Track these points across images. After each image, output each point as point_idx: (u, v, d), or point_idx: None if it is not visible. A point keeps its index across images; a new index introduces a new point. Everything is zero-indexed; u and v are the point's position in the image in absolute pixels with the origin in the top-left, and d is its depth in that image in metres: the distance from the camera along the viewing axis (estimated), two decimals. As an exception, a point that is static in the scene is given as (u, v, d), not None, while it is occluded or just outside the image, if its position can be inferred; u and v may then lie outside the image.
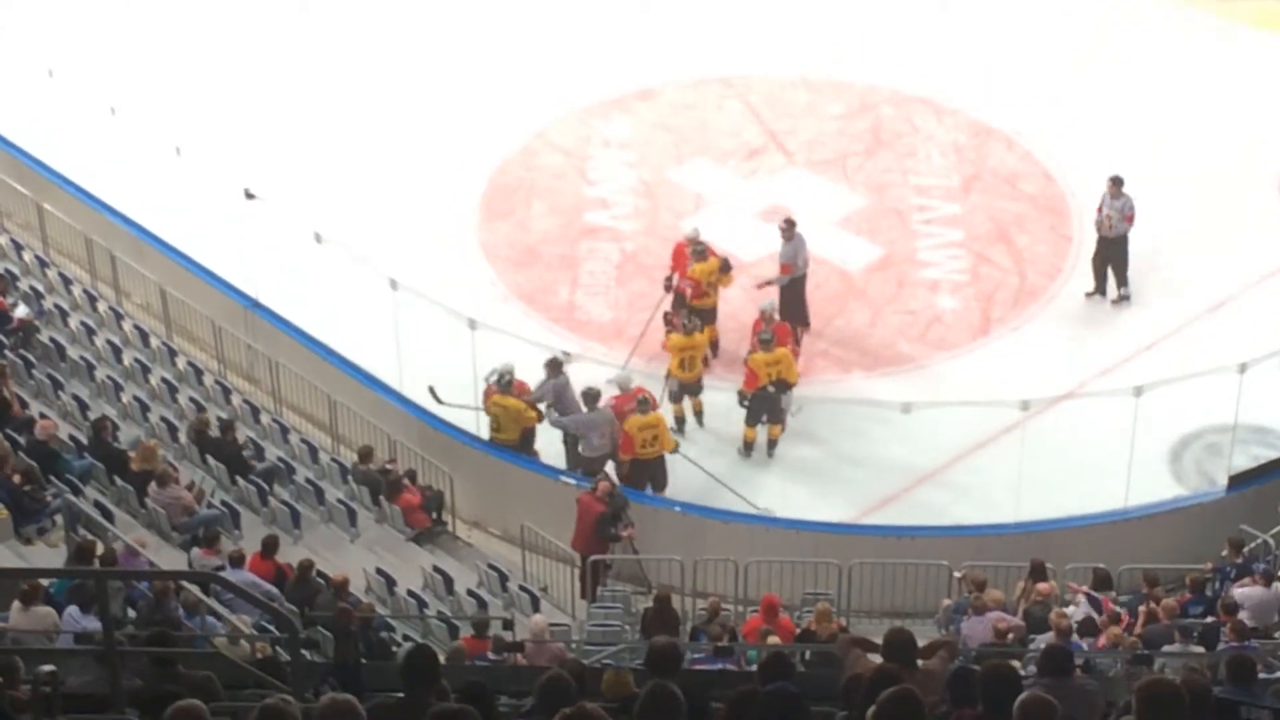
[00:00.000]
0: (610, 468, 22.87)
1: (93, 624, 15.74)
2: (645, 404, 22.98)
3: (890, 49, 32.56)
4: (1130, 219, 26.11)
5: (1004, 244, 27.99)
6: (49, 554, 19.89)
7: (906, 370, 25.55)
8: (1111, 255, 26.49)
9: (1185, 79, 31.39)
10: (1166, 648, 17.47)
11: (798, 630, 19.07)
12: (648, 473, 23.21)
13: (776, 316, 24.25)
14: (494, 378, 23.20)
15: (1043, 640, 17.24)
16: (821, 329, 25.98)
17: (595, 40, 32.42)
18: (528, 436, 23.67)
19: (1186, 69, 31.71)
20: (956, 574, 20.50)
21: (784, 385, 23.67)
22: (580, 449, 23.39)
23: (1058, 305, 26.73)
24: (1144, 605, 18.77)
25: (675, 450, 23.25)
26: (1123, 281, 26.50)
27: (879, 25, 33.26)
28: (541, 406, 23.49)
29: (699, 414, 24.51)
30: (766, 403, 23.72)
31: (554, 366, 23.44)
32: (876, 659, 10.67)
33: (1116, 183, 26.12)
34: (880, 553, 21.66)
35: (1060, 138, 29.81)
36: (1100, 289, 26.65)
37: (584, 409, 23.21)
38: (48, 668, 11.00)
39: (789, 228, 25.53)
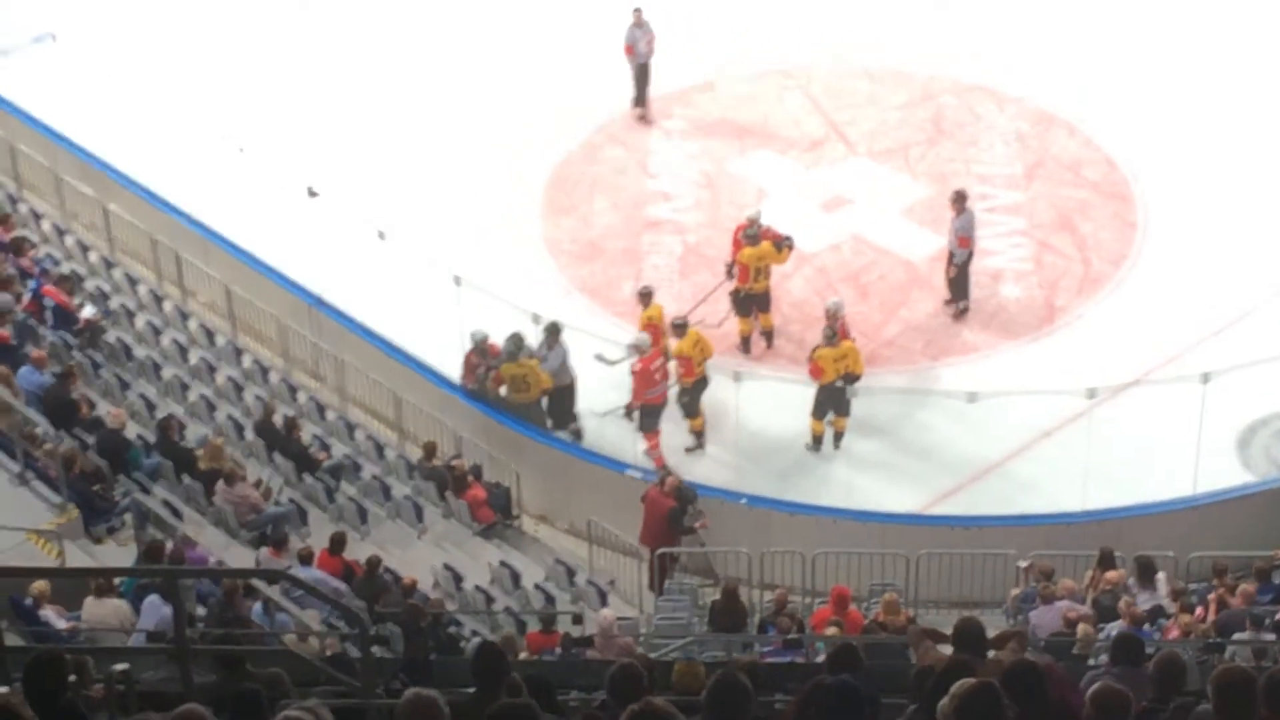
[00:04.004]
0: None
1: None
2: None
3: (951, 38, 32.41)
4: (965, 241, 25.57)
5: (1068, 231, 27.84)
6: (119, 553, 20.03)
7: (971, 359, 25.46)
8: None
9: (1248, 58, 31.13)
10: (1237, 635, 17.34)
11: (866, 621, 19.02)
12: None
13: (842, 315, 24.01)
14: (480, 338, 23.85)
15: (1113, 629, 17.19)
16: (886, 319, 25.90)
17: (656, 32, 32.37)
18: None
19: (1248, 48, 31.44)
20: (1022, 563, 20.38)
21: (852, 378, 23.57)
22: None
23: (1123, 292, 26.56)
24: (1213, 595, 18.64)
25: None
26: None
27: (939, 14, 33.10)
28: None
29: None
30: (834, 397, 23.60)
31: (553, 333, 23.74)
32: (947, 649, 10.63)
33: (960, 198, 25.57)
34: (948, 543, 21.58)
35: (1124, 124, 29.59)
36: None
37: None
38: (121, 666, 11.08)
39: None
